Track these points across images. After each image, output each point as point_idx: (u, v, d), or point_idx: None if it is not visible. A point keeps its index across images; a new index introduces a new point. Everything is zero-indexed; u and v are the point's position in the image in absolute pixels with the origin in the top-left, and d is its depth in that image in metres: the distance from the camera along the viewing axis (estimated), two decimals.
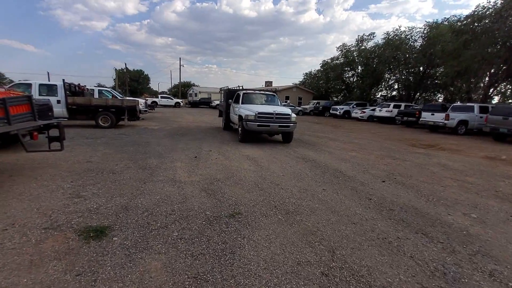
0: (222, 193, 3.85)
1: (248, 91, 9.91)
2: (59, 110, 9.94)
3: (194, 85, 70.79)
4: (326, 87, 36.51)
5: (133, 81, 77.54)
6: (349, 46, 31.42)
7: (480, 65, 14.21)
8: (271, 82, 43.87)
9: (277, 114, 7.96)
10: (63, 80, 9.98)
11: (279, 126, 7.97)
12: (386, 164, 6.32)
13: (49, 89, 9.90)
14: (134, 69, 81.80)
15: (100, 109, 10.53)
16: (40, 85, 9.85)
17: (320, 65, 35.58)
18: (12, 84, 9.65)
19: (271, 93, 10.32)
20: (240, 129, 8.44)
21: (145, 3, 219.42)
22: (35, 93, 9.61)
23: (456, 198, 4.08)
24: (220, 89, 13.74)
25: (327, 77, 34.37)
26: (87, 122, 10.79)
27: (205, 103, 38.25)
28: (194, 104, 38.72)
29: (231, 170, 5.08)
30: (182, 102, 37.22)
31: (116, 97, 13.56)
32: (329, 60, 33.85)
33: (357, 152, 7.72)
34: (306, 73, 41.24)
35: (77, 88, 11.30)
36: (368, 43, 28.86)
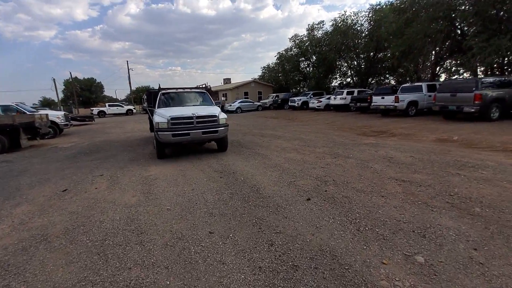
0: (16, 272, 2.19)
1: (168, 90, 7.74)
2: None
3: (152, 89, 66.32)
4: (285, 79, 35.59)
5: (84, 91, 70.76)
6: (301, 36, 30.66)
7: (423, 43, 13.83)
8: (229, 79, 42.12)
9: (198, 117, 6.01)
10: None
11: (204, 132, 6.02)
12: (324, 166, 5.07)
13: None
14: (84, 78, 74.66)
15: None
16: None
17: (276, 57, 34.50)
18: None
19: (200, 91, 8.15)
20: (154, 141, 6.63)
21: (95, 8, 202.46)
22: None
23: (398, 219, 2.84)
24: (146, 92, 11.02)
25: (284, 69, 33.40)
26: None
27: None
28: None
29: (93, 212, 3.41)
30: (134, 108, 34.03)
31: (24, 113, 10.98)
32: (284, 52, 32.86)
33: (297, 152, 6.44)
34: (264, 67, 39.92)
35: None
36: (319, 32, 28.23)
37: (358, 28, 24.12)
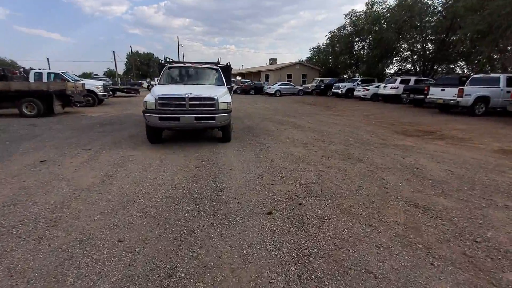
0: None
1: (175, 65, 6.97)
2: None
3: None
4: (334, 62, 32.68)
5: (143, 65, 76.75)
6: (358, 12, 27.27)
7: (510, 21, 10.59)
8: (275, 59, 40.60)
9: (192, 98, 4.94)
10: None
11: (197, 118, 4.94)
12: (323, 169, 4.15)
13: None
14: (144, 52, 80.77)
15: (24, 96, 9.01)
16: None
17: (327, 37, 31.62)
18: None
19: (211, 67, 6.94)
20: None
21: None
22: None
23: (369, 271, 1.95)
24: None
25: (334, 50, 30.53)
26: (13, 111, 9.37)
27: None
28: None
29: (39, 190, 3.25)
30: None
31: (68, 81, 12.01)
32: (336, 31, 29.85)
33: (305, 147, 5.54)
34: (313, 48, 37.08)
35: (6, 72, 9.84)
36: (380, 7, 24.55)
37: (429, 2, 20.20)
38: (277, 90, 25.15)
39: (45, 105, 9.25)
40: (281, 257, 2.08)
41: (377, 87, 18.36)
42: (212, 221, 2.59)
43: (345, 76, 31.51)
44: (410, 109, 13.51)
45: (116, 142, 5.71)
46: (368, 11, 25.48)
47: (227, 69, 7.75)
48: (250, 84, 28.01)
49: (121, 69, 75.67)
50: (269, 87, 25.61)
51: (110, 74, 69.52)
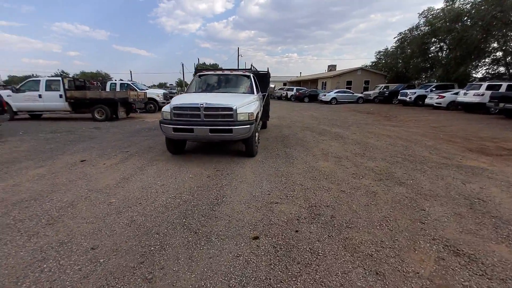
0: None
1: (205, 72, 6.65)
2: (61, 104, 10.56)
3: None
4: (404, 67, 29.28)
5: None
6: (436, 10, 23.88)
7: None
8: (335, 65, 38.77)
9: (207, 108, 4.50)
10: (61, 75, 10.48)
11: (212, 130, 4.48)
12: (346, 190, 3.55)
13: (54, 84, 10.54)
14: (210, 64, 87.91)
15: (96, 103, 10.67)
16: (47, 80, 10.59)
17: (396, 39, 28.60)
18: (27, 81, 10.74)
19: (243, 74, 6.47)
20: None
21: (231, 0, 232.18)
22: (42, 88, 10.42)
23: None
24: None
25: (404, 53, 27.33)
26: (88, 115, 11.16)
27: None
28: None
29: (58, 188, 3.61)
30: None
31: (135, 90, 13.80)
32: (408, 32, 26.74)
33: (336, 162, 4.92)
34: (380, 51, 34.02)
35: (86, 82, 11.84)
36: (463, 2, 20.93)
37: None
38: (333, 98, 23.83)
39: (111, 111, 10.73)
40: None
41: (456, 93, 15.54)
42: (190, 239, 2.39)
43: (416, 81, 27.87)
44: (498, 121, 10.91)
45: (151, 147, 6.11)
46: (447, 7, 22.07)
47: (264, 76, 7.60)
48: (305, 91, 27.31)
49: (189, 79, 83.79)
50: (324, 95, 24.47)
51: (180, 84, 77.87)
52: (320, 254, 2.19)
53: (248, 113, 4.71)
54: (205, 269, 2.00)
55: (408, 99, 19.69)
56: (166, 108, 4.80)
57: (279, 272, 1.97)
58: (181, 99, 5.03)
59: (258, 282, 1.87)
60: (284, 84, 41.48)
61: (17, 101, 10.37)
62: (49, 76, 10.73)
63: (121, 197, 3.27)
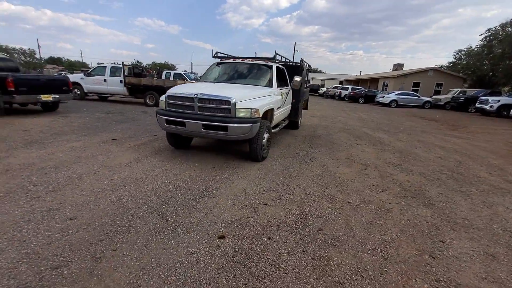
0: None
1: (224, 61, 5.79)
2: (121, 88, 11.92)
3: (319, 72, 68.17)
4: (491, 69, 24.59)
5: None
6: None
7: None
8: (402, 64, 34.83)
9: (202, 99, 3.87)
10: (122, 63, 11.77)
11: (205, 126, 3.84)
12: (355, 203, 3.11)
13: (117, 70, 11.93)
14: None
15: (148, 89, 11.72)
16: (111, 67, 12.05)
17: (482, 36, 24.11)
18: (96, 66, 12.43)
19: (264, 64, 5.43)
20: None
21: None
22: (107, 74, 11.92)
23: None
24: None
25: (492, 53, 22.90)
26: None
27: (311, 90, 35.95)
28: None
29: (74, 164, 4.01)
30: None
31: (185, 79, 14.73)
32: (499, 27, 22.27)
33: (360, 170, 4.39)
34: (460, 51, 29.13)
35: (144, 70, 13.09)
36: None
37: None
38: (393, 100, 21.48)
39: (158, 97, 11.64)
40: None
41: None
42: (157, 226, 2.38)
43: (505, 88, 23.15)
44: None
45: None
46: None
47: (296, 68, 7.03)
48: (360, 91, 25.27)
49: None
50: (383, 96, 22.22)
51: None
52: (281, 269, 1.92)
53: (251, 108, 3.86)
54: (153, 260, 1.94)
55: (488, 108, 16.47)
56: (163, 97, 4.34)
57: (224, 280, 1.79)
58: (178, 88, 4.49)
59: (195, 285, 1.73)
60: (340, 83, 39.18)
61: (87, 83, 12.07)
62: (113, 63, 12.19)
63: (123, 176, 3.47)
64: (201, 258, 1.99)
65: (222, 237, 2.27)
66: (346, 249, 2.20)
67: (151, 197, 2.92)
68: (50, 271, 1.77)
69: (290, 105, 6.62)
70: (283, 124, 6.20)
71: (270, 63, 5.46)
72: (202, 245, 2.15)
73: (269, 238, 2.30)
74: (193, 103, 3.95)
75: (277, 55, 5.69)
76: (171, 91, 4.26)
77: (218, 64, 5.79)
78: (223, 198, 2.99)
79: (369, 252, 2.19)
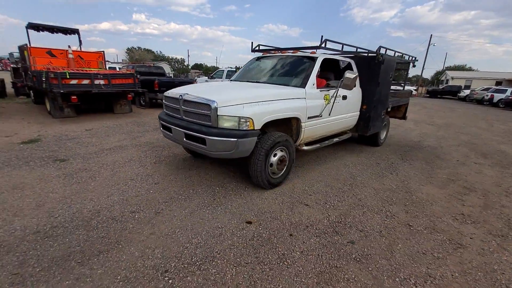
0: None
1: (263, 54, 4.70)
2: None
3: (469, 69, 54.05)
4: None
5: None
6: None
7: None
8: None
9: (186, 101, 3.16)
10: (236, 66, 13.69)
11: (187, 136, 3.12)
12: (414, 226, 2.67)
13: (232, 73, 14.01)
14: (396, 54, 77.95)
15: None
16: (228, 70, 14.24)
17: None
18: (217, 70, 14.96)
19: (305, 56, 4.10)
20: None
21: None
22: (224, 76, 14.20)
23: None
24: None
25: None
26: None
27: (448, 92, 29.21)
28: (433, 94, 30.82)
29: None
30: (415, 90, 31.12)
31: None
32: None
33: (451, 194, 3.57)
34: None
35: None
36: None
37: None
38: None
39: None
40: None
41: None
42: (205, 201, 2.92)
43: None
44: None
45: None
46: None
47: (370, 60, 4.62)
48: None
49: None
50: None
51: None
52: (286, 263, 2.02)
53: (239, 117, 2.77)
54: (189, 224, 2.47)
55: None
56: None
57: (231, 255, 2.08)
58: (180, 87, 3.78)
59: (208, 251, 2.11)
60: (498, 83, 29.90)
61: None
62: (229, 67, 14.36)
63: (208, 161, 4.29)
64: (223, 234, 2.35)
65: (249, 222, 2.56)
66: (370, 269, 2.02)
67: (213, 179, 3.53)
68: (128, 213, 2.60)
69: (357, 112, 4.78)
70: (337, 139, 4.54)
71: (314, 55, 3.98)
72: (230, 224, 2.51)
73: (291, 235, 2.39)
74: (179, 106, 3.29)
75: (324, 43, 3.67)
76: (168, 91, 3.71)
77: (258, 58, 4.72)
78: (269, 191, 3.24)
79: (397, 280, 1.92)
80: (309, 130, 3.68)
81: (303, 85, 3.63)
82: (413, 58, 6.42)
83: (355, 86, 4.08)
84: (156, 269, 1.88)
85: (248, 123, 2.82)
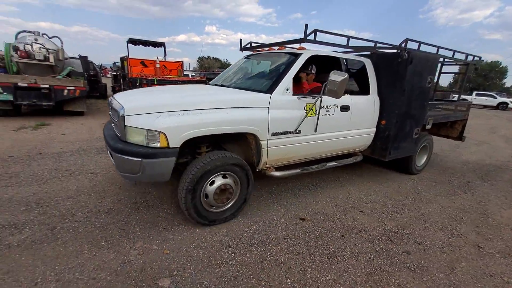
0: None
1: (254, 52, 3.90)
2: None
3: None
4: None
5: (479, 76, 64.48)
6: None
7: None
8: None
9: (111, 108, 2.72)
10: None
11: (107, 146, 2.45)
12: (484, 248, 2.49)
13: None
14: (486, 61, 66.88)
15: None
16: None
17: None
18: None
19: (286, 53, 3.22)
20: None
21: None
22: None
23: None
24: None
25: None
26: None
27: None
28: None
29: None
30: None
31: None
32: None
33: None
34: None
35: None
36: None
37: None
38: None
39: None
40: None
41: None
42: (264, 198, 3.24)
43: None
44: None
45: None
46: None
47: (392, 60, 3.44)
48: None
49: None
50: None
51: None
52: (335, 259, 2.17)
53: (147, 129, 2.10)
54: (250, 214, 2.81)
55: None
56: None
57: (285, 243, 2.33)
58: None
59: (265, 237, 2.40)
60: None
61: None
62: None
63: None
64: (278, 225, 2.62)
65: (302, 219, 2.76)
66: (424, 279, 2.01)
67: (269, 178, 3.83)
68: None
69: (370, 129, 3.62)
70: (334, 164, 3.46)
71: (300, 51, 3.08)
72: (285, 218, 2.76)
73: (343, 236, 2.51)
74: (110, 112, 2.82)
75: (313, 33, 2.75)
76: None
77: (246, 57, 4.00)
78: (323, 195, 3.37)
79: None
80: (278, 150, 2.76)
81: (270, 90, 2.71)
82: (477, 59, 4.66)
83: (353, 93, 3.33)
84: (222, 243, 2.25)
85: (158, 139, 2.09)
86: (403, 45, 3.26)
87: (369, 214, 2.97)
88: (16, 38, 7.37)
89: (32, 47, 7.03)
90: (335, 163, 3.45)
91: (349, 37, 3.04)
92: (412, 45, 3.36)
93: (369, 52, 3.64)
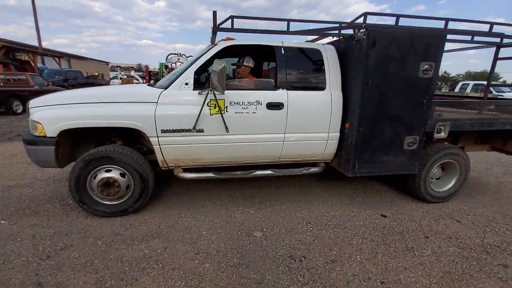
0: None
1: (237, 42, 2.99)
2: None
3: None
4: None
5: None
6: None
7: None
8: None
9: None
10: None
11: None
12: None
13: None
14: None
15: None
16: None
17: None
18: None
19: (211, 45, 2.81)
20: None
21: None
22: None
23: None
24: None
25: None
26: None
27: None
28: None
29: None
30: None
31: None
32: None
33: None
34: None
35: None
36: None
37: None
38: None
39: None
40: None
41: None
42: (349, 196, 3.47)
43: None
44: None
45: None
46: None
47: (351, 47, 2.77)
48: None
49: None
50: None
51: None
52: (413, 253, 2.26)
53: (31, 120, 2.49)
54: (336, 214, 3.14)
55: None
56: None
57: (365, 234, 2.57)
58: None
59: (347, 229, 2.71)
60: None
61: None
62: None
63: None
64: (357, 216, 2.84)
65: (384, 216, 2.88)
66: None
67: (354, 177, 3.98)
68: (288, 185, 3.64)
69: (333, 133, 2.94)
70: (269, 172, 2.98)
71: (220, 43, 2.77)
72: (365, 213, 2.94)
73: (426, 237, 2.50)
74: None
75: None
76: None
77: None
78: (413, 199, 3.29)
79: None
80: (174, 149, 2.62)
81: (167, 84, 2.65)
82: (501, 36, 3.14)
83: (295, 89, 2.78)
84: (303, 219, 2.72)
85: (37, 129, 2.42)
86: (360, 21, 2.56)
87: (467, 225, 2.76)
88: (166, 59, 10.10)
89: (175, 65, 9.48)
90: (269, 172, 2.98)
91: (289, 21, 2.56)
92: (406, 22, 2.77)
93: (336, 38, 3.03)
